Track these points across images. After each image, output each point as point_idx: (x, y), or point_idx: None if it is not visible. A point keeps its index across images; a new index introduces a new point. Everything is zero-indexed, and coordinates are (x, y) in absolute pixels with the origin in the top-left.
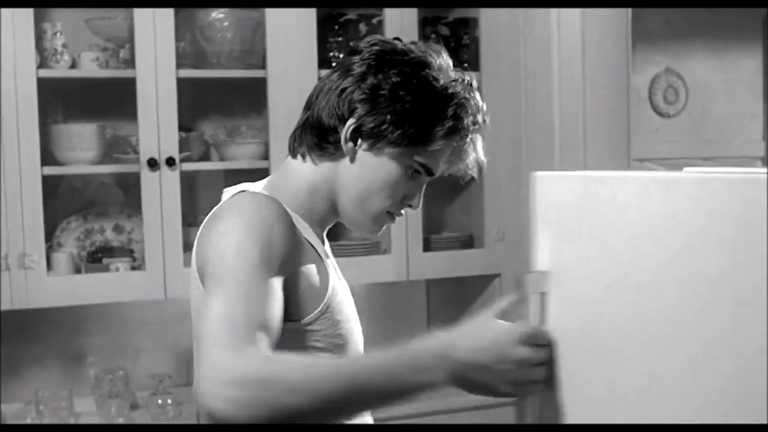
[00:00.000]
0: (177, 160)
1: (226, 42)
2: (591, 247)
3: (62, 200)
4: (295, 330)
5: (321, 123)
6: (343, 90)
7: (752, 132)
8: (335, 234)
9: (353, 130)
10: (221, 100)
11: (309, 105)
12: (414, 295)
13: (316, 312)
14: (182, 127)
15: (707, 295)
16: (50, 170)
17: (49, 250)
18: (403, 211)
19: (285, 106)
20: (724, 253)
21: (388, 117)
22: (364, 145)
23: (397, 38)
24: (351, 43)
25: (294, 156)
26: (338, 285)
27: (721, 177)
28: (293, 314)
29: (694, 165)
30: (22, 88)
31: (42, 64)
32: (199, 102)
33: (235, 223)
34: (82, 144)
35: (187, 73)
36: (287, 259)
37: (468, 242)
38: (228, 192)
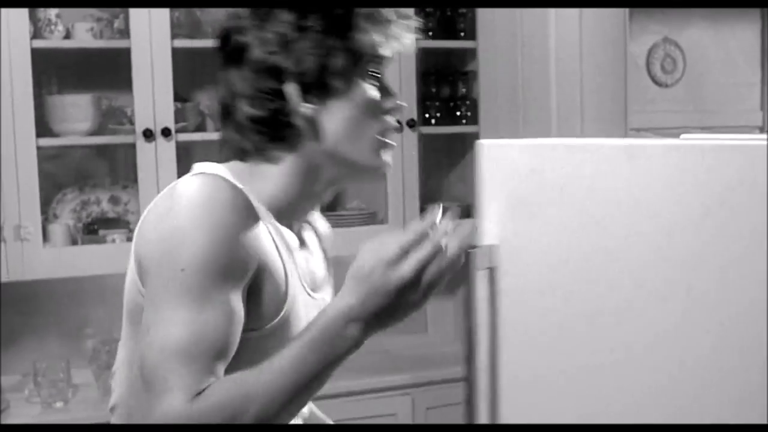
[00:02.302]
0: (173, 131)
1: (221, 11)
2: (542, 219)
3: (58, 172)
4: (254, 339)
5: (259, 115)
6: (257, 66)
7: (750, 101)
8: (332, 204)
9: (303, 92)
10: (217, 70)
11: (224, 110)
12: None
13: (276, 321)
14: (178, 98)
15: (667, 270)
16: (45, 142)
17: (45, 221)
18: (396, 121)
19: None
20: (685, 225)
21: (313, 48)
22: (317, 95)
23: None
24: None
25: (246, 160)
26: (301, 297)
27: (682, 144)
28: (252, 324)
29: (692, 134)
30: (16, 58)
31: (36, 34)
32: (194, 72)
33: (195, 218)
34: (77, 115)
35: (183, 43)
36: (251, 267)
37: (465, 212)
38: (194, 169)
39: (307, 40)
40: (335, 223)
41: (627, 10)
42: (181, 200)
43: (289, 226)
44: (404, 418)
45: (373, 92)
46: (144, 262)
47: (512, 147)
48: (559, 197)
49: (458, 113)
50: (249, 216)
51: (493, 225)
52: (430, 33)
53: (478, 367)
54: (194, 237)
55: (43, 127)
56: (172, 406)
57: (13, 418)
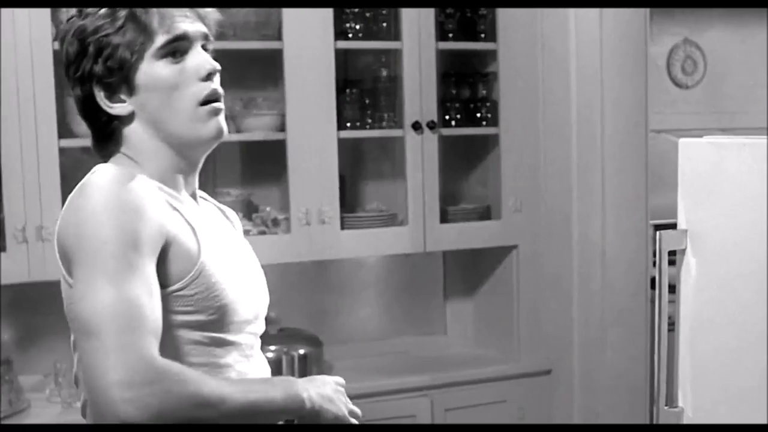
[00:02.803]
0: None
1: (241, 13)
2: (723, 208)
3: (79, 172)
4: (166, 297)
5: (90, 124)
6: (72, 81)
7: None
8: (352, 206)
9: (105, 95)
10: (237, 72)
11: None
12: (430, 266)
13: (187, 278)
14: None
15: None
16: (67, 143)
17: None
18: (220, 89)
19: (301, 78)
20: None
21: (99, 51)
22: (124, 90)
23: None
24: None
25: (111, 155)
26: (215, 248)
27: None
28: (163, 282)
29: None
30: (38, 60)
31: (57, 36)
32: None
33: (106, 201)
34: None
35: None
36: (161, 237)
37: (485, 213)
38: (94, 169)
39: (93, 46)
40: (355, 225)
41: (647, 11)
42: (88, 190)
43: (179, 192)
44: (423, 419)
45: (167, 70)
46: (67, 252)
47: (701, 144)
48: (739, 189)
49: (478, 115)
50: (149, 190)
51: (683, 212)
52: (451, 35)
53: (660, 336)
54: (108, 215)
55: (64, 129)
56: (118, 390)
57: (33, 418)
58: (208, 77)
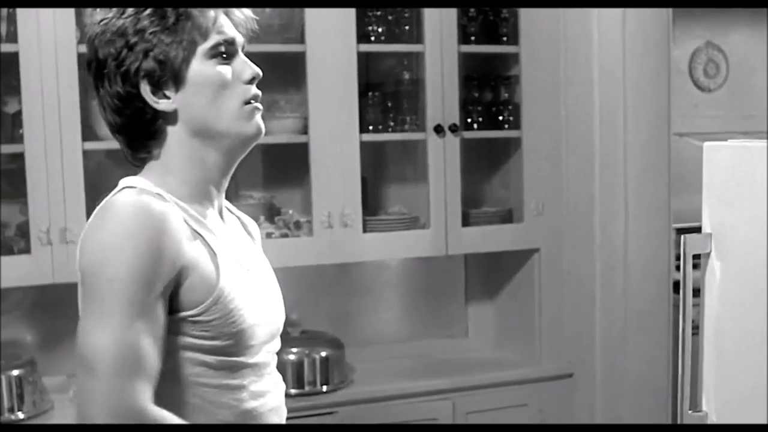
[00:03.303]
0: None
1: (264, 16)
2: (746, 212)
3: (102, 175)
4: (180, 321)
5: (125, 122)
6: (112, 78)
7: None
8: (374, 209)
9: (155, 89)
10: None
11: (108, 125)
12: (452, 269)
13: (204, 305)
14: None
15: None
16: (91, 145)
17: None
18: (259, 92)
19: (324, 81)
20: None
21: (150, 47)
22: (170, 87)
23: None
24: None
25: (144, 162)
26: (235, 272)
27: None
28: (178, 308)
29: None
30: (63, 63)
31: (82, 39)
32: None
33: (119, 233)
34: None
35: None
36: (172, 272)
37: (507, 217)
38: (121, 184)
39: (143, 42)
40: (377, 228)
41: (670, 15)
42: (108, 216)
43: (206, 209)
44: (445, 423)
45: (219, 69)
46: (79, 274)
47: (725, 148)
48: (763, 192)
49: (500, 118)
50: (171, 219)
51: (707, 216)
52: (473, 38)
53: (685, 340)
54: (120, 251)
55: (88, 131)
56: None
57: (57, 419)
58: (251, 81)
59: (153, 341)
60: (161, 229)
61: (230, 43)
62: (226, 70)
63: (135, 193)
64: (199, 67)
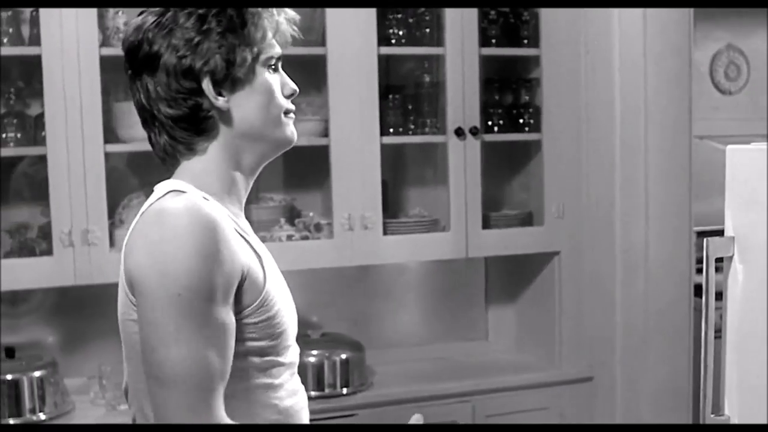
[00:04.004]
0: None
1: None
2: None
3: (124, 177)
4: (240, 322)
5: (180, 114)
6: (171, 70)
7: None
8: (394, 212)
9: (213, 87)
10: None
11: (147, 114)
12: (472, 272)
13: (253, 306)
14: None
15: None
16: (112, 148)
17: (112, 226)
18: (293, 106)
19: (344, 84)
20: None
21: (218, 47)
22: (227, 87)
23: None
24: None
25: (176, 160)
26: (272, 273)
27: None
28: (236, 308)
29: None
30: (86, 66)
31: (104, 42)
32: None
33: (184, 245)
34: None
35: None
36: (237, 278)
37: (527, 219)
38: (162, 189)
39: (210, 41)
40: (397, 230)
41: (691, 16)
42: (163, 225)
43: (238, 209)
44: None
45: (273, 78)
46: (138, 286)
47: (748, 150)
48: None
49: (521, 121)
50: (225, 228)
51: (729, 219)
52: (494, 40)
53: (707, 344)
54: (186, 263)
55: (110, 134)
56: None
57: (78, 420)
58: (290, 96)
59: (223, 351)
60: (219, 237)
61: (279, 57)
62: (276, 81)
63: (184, 199)
64: (260, 72)
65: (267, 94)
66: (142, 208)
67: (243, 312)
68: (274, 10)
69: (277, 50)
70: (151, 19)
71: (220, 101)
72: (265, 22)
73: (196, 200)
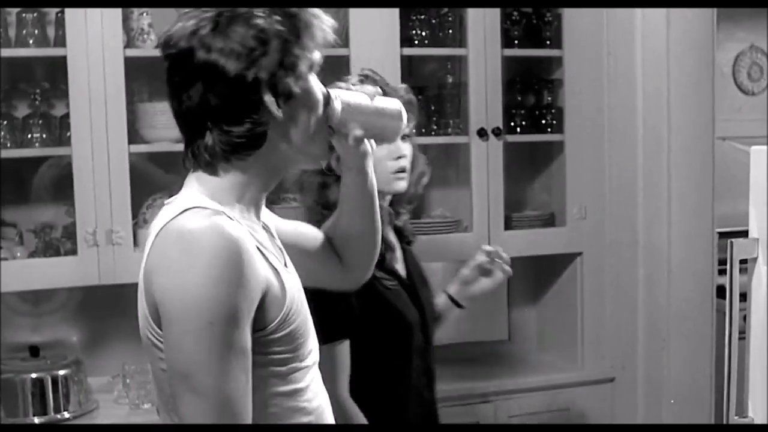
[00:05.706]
0: None
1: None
2: None
3: (148, 177)
4: (258, 341)
5: (237, 126)
6: (232, 81)
7: None
8: (416, 212)
9: (274, 95)
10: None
11: (194, 123)
12: None
13: (276, 321)
14: None
15: None
16: (136, 148)
17: (136, 226)
18: None
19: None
20: None
21: (280, 58)
22: (282, 98)
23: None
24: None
25: (215, 168)
26: (293, 285)
27: None
28: (255, 327)
29: None
30: (110, 67)
31: (128, 43)
32: None
33: (213, 274)
34: (167, 122)
35: None
36: (256, 297)
37: (549, 220)
38: (175, 207)
39: (272, 51)
40: (420, 231)
41: (714, 17)
42: (194, 252)
43: (256, 217)
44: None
45: (320, 92)
46: (165, 312)
47: None
48: None
49: (543, 122)
50: (249, 248)
51: (754, 220)
52: (516, 41)
53: (731, 345)
54: (214, 292)
55: (134, 134)
56: None
57: (102, 419)
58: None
59: (247, 377)
60: (243, 259)
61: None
62: (322, 93)
63: (207, 219)
64: (310, 81)
65: (317, 103)
66: (158, 222)
67: (267, 328)
68: (323, 17)
69: (320, 57)
70: (205, 24)
71: (280, 112)
72: (317, 31)
73: (218, 220)
